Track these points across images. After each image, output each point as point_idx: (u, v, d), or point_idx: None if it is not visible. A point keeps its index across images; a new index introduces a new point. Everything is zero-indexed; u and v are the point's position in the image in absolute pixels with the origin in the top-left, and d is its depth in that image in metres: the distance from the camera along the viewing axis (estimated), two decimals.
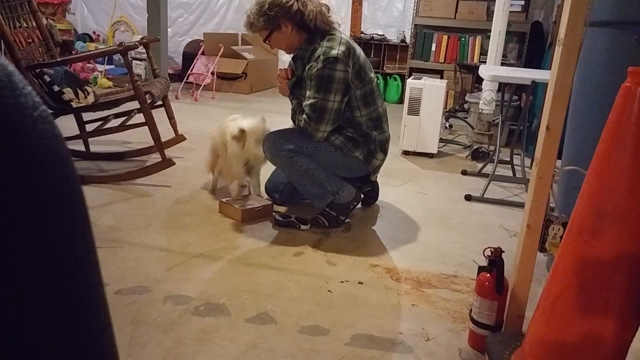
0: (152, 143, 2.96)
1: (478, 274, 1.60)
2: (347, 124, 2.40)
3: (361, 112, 2.39)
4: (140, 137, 3.53)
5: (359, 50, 2.43)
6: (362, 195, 2.62)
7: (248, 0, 6.72)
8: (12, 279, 0.29)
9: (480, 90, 4.33)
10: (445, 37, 5.86)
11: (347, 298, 1.86)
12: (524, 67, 5.21)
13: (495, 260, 1.56)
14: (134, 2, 6.83)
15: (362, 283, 1.97)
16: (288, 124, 2.62)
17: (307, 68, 2.35)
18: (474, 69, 5.48)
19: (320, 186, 2.40)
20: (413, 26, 5.93)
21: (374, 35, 6.39)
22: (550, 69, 1.45)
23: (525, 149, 3.58)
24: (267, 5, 2.32)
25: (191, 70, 5.73)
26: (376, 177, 2.62)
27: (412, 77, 3.93)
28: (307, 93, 2.33)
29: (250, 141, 2.45)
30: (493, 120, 3.98)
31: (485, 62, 4.36)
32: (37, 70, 2.85)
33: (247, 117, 2.56)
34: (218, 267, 2.02)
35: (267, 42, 2.47)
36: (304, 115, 2.32)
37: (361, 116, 2.39)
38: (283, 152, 2.33)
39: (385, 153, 2.51)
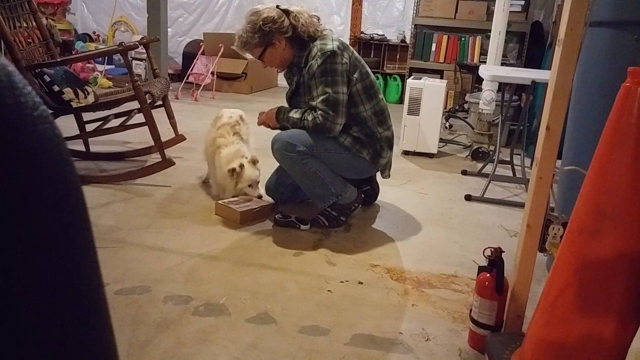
0: (152, 143, 2.96)
1: (478, 274, 1.60)
2: (352, 122, 2.40)
3: (365, 106, 2.40)
4: (140, 137, 3.53)
5: (351, 48, 2.48)
6: (363, 196, 2.63)
7: (248, 0, 6.74)
8: (12, 279, 0.29)
9: (480, 90, 4.33)
10: (445, 37, 5.86)
11: (347, 298, 1.86)
12: (524, 67, 5.21)
13: (495, 260, 1.56)
14: (134, 2, 6.83)
15: (362, 283, 1.97)
16: None
17: (307, 68, 2.36)
18: (474, 69, 5.47)
19: (325, 188, 2.41)
20: (413, 26, 5.93)
21: (374, 35, 6.39)
22: (550, 69, 1.45)
23: (525, 149, 3.58)
24: (260, 22, 2.36)
25: (191, 70, 5.73)
26: (389, 174, 2.61)
27: (412, 77, 3.93)
28: (314, 92, 2.34)
29: (244, 184, 2.52)
30: (493, 120, 3.98)
31: (485, 62, 4.36)
32: (37, 70, 2.85)
33: (241, 156, 2.57)
34: (218, 267, 2.02)
35: (260, 59, 2.50)
36: (319, 112, 2.31)
37: (365, 111, 2.40)
38: (294, 154, 2.33)
39: (391, 149, 2.53)
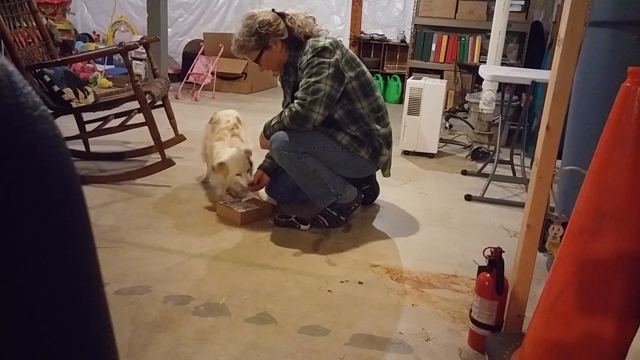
0: (152, 143, 2.96)
1: (478, 274, 1.60)
2: (350, 120, 2.40)
3: (362, 103, 2.40)
4: (140, 137, 3.53)
5: (346, 47, 2.48)
6: (363, 196, 2.63)
7: (248, 0, 6.74)
8: (12, 279, 0.29)
9: (480, 90, 4.33)
10: (445, 37, 5.86)
11: (347, 298, 1.86)
12: (524, 67, 5.21)
13: (495, 260, 1.56)
14: (134, 2, 6.83)
15: (362, 283, 1.97)
16: None
17: (298, 64, 2.37)
18: (474, 69, 5.48)
19: (324, 187, 2.41)
20: (413, 26, 5.93)
21: (374, 35, 6.39)
22: (550, 69, 1.45)
23: (525, 149, 3.58)
24: (257, 25, 2.38)
25: (191, 70, 5.73)
26: (389, 173, 2.60)
27: (412, 77, 3.93)
28: (300, 83, 2.34)
29: (232, 174, 2.47)
30: (493, 120, 3.98)
31: (485, 62, 4.36)
32: (37, 70, 2.85)
33: (230, 147, 2.54)
34: (218, 267, 2.02)
35: (257, 62, 2.51)
36: (296, 101, 2.30)
37: (362, 108, 2.40)
38: (292, 154, 2.33)
39: (390, 147, 2.52)
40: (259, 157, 2.62)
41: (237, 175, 2.48)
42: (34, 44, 3.08)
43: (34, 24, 3.12)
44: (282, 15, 2.44)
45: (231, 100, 5.55)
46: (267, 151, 2.54)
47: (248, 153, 2.53)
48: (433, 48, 5.93)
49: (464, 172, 3.53)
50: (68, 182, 0.33)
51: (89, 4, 7.03)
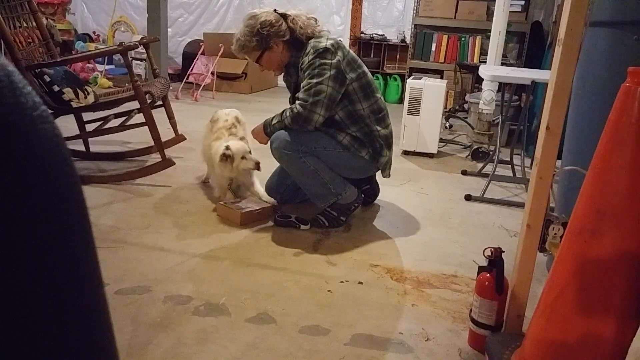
0: (152, 143, 2.96)
1: (478, 274, 1.60)
2: (351, 121, 2.40)
3: (362, 104, 2.40)
4: (140, 137, 3.53)
5: (347, 48, 2.47)
6: (363, 196, 2.63)
7: (248, 0, 6.73)
8: (12, 279, 0.29)
9: (480, 90, 4.33)
10: (445, 37, 5.86)
11: (347, 298, 1.86)
12: (524, 67, 5.21)
13: (495, 260, 1.56)
14: (134, 2, 6.83)
15: (362, 283, 1.97)
16: None
17: (301, 65, 2.37)
18: (474, 69, 5.48)
19: (325, 187, 2.41)
20: (413, 26, 5.93)
21: (374, 35, 6.38)
22: (550, 69, 1.45)
23: (525, 149, 3.58)
24: (258, 26, 2.38)
25: (191, 70, 5.73)
26: (389, 173, 2.60)
27: (412, 77, 3.93)
28: (302, 84, 2.34)
29: (237, 158, 2.47)
30: (493, 120, 3.98)
31: (485, 62, 4.36)
32: (37, 70, 2.85)
33: (228, 140, 2.58)
34: (218, 267, 2.02)
35: (258, 63, 2.51)
36: (298, 102, 2.31)
37: (363, 109, 2.40)
38: (292, 152, 2.33)
39: (390, 148, 2.52)
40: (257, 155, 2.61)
41: (243, 158, 2.47)
42: (34, 44, 3.08)
43: (34, 24, 3.12)
44: (284, 16, 2.44)
45: (231, 100, 5.55)
46: (261, 146, 2.55)
47: (243, 139, 2.55)
48: (433, 48, 5.93)
49: (464, 172, 3.52)
50: (68, 182, 0.33)
51: (89, 4, 7.03)
